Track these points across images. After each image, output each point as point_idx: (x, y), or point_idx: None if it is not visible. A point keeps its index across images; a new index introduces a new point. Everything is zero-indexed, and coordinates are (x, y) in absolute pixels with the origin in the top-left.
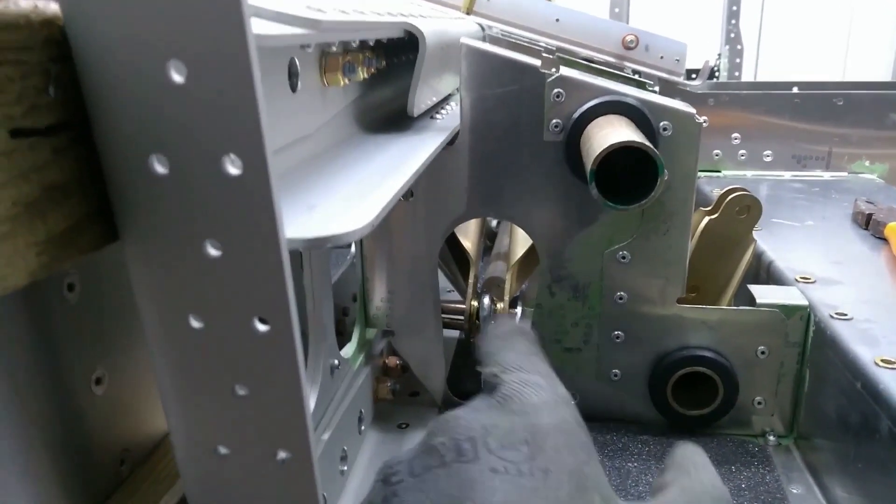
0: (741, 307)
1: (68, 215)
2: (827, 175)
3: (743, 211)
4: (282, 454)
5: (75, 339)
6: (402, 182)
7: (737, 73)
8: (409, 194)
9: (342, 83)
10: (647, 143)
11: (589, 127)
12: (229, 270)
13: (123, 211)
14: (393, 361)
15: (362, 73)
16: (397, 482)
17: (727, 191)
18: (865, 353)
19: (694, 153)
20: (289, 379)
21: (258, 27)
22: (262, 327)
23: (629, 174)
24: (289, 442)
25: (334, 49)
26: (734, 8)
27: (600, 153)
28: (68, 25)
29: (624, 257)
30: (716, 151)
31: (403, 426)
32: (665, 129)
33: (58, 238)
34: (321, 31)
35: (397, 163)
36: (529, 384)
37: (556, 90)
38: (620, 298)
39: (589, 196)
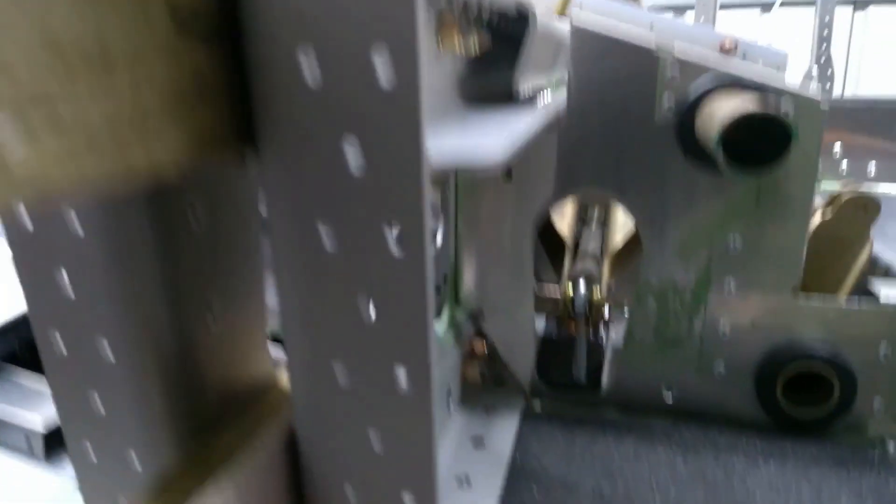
0: (864, 302)
1: (214, 114)
2: None
3: (860, 210)
4: (401, 376)
5: (196, 270)
6: (534, 125)
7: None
8: (508, 174)
9: (457, 47)
10: (778, 114)
11: (707, 103)
12: (369, 180)
13: (265, 117)
14: (479, 345)
15: (474, 45)
16: None
17: (842, 191)
18: None
19: (816, 138)
20: (417, 299)
21: None
22: (394, 244)
23: (747, 153)
24: (411, 360)
25: (452, 13)
26: (826, 32)
27: (731, 119)
28: None
29: (735, 243)
30: None
31: (490, 408)
32: (785, 113)
33: (204, 133)
34: None
35: (512, 123)
36: None
37: (670, 71)
38: (728, 287)
39: (701, 180)
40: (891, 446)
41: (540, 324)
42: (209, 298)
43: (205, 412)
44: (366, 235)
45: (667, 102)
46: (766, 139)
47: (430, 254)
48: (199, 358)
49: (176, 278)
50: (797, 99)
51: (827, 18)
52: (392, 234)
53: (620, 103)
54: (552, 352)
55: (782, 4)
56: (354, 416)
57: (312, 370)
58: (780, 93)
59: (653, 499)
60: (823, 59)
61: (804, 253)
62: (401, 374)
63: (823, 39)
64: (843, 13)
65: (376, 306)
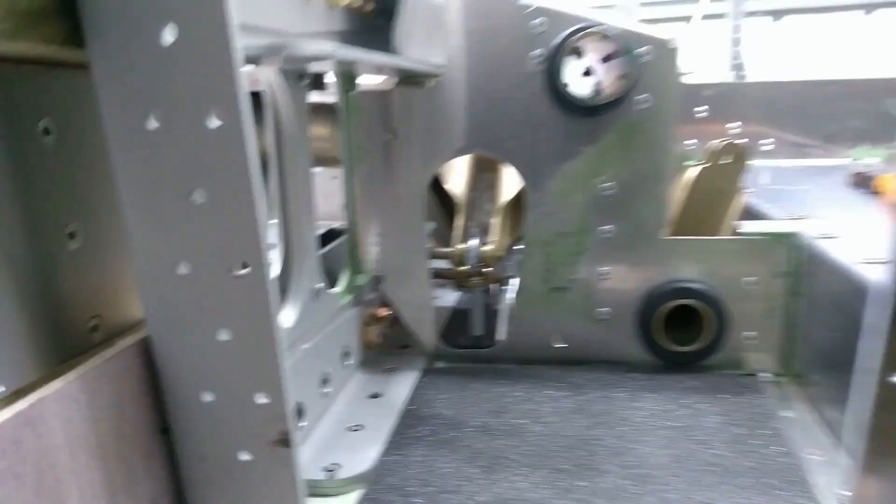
0: (727, 237)
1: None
2: (828, 162)
3: (730, 157)
4: (238, 264)
5: (51, 187)
6: None
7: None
8: (391, 134)
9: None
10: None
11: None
12: (186, 59)
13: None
14: (383, 312)
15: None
16: None
17: (717, 142)
18: (851, 259)
19: (673, 75)
20: (242, 178)
21: None
22: (215, 123)
23: None
24: (247, 252)
25: None
26: (737, 36)
27: None
28: None
29: (610, 189)
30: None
31: (391, 369)
32: (645, 55)
33: (23, 14)
34: None
35: None
36: None
37: (535, 21)
38: (608, 233)
39: (572, 128)
40: (764, 376)
41: (452, 296)
42: (67, 216)
43: (70, 339)
44: (188, 117)
45: (535, 51)
46: None
47: (248, 126)
48: (61, 278)
49: (28, 192)
50: (650, 41)
51: (738, 29)
52: (213, 114)
53: (497, 55)
54: (456, 317)
55: (704, 18)
56: (201, 311)
57: (157, 266)
58: (635, 37)
59: (535, 430)
60: (736, 62)
61: (669, 191)
62: (237, 262)
63: (736, 45)
64: (762, 22)
65: (207, 192)
